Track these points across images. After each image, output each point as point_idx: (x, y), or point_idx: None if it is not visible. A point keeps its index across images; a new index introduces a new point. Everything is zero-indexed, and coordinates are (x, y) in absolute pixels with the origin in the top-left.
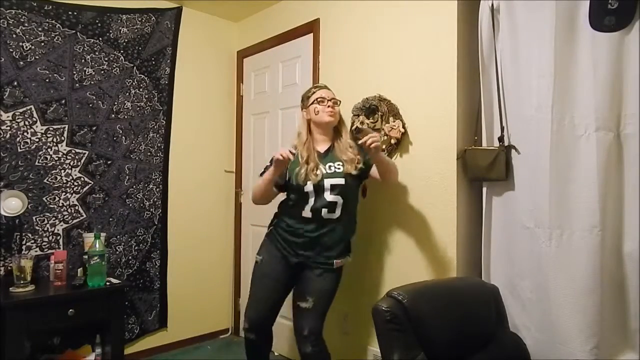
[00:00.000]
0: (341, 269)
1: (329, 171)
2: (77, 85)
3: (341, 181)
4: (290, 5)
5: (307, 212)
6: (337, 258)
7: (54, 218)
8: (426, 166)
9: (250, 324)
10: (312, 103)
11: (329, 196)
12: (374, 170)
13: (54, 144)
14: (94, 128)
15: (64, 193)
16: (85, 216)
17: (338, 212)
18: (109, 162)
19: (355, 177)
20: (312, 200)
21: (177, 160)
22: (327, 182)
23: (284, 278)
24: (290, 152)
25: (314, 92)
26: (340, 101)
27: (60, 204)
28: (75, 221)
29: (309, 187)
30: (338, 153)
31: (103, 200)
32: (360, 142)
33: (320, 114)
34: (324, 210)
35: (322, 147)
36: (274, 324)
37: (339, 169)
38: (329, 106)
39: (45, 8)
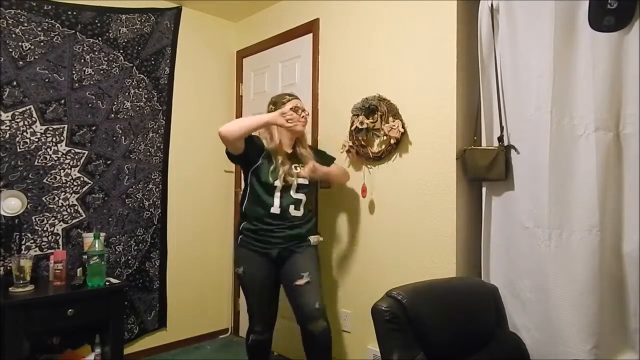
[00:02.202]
0: (317, 249)
1: (295, 171)
2: (76, 85)
3: (306, 182)
4: (290, 5)
5: (275, 209)
6: (311, 236)
7: (53, 218)
8: (426, 166)
9: (262, 328)
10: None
11: (295, 194)
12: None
13: (54, 143)
14: (94, 128)
15: (63, 193)
16: (84, 216)
17: (302, 210)
18: (108, 162)
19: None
20: (278, 195)
21: (176, 160)
22: (296, 182)
23: (272, 277)
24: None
25: (289, 100)
26: (308, 113)
27: (60, 204)
28: (74, 221)
29: (278, 183)
30: (300, 156)
31: (102, 200)
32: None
33: (295, 122)
34: (291, 207)
35: (287, 150)
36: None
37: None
38: (302, 116)
39: (45, 8)
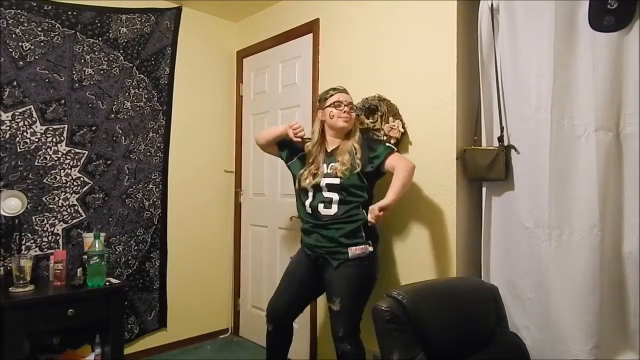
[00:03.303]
0: (367, 261)
1: (328, 171)
2: (76, 85)
3: (336, 181)
4: (290, 5)
5: (308, 208)
6: (351, 245)
7: (53, 218)
8: (426, 166)
9: (268, 315)
10: (329, 106)
11: (325, 193)
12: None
13: (54, 144)
14: (94, 128)
15: (63, 193)
16: (84, 216)
17: (335, 208)
18: (108, 162)
19: (358, 175)
20: (310, 196)
21: (176, 160)
22: (324, 181)
23: (306, 275)
24: (301, 137)
25: (332, 95)
26: (356, 106)
27: (60, 204)
28: (74, 221)
29: (304, 184)
30: (337, 154)
31: (102, 200)
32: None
33: (335, 118)
34: (320, 206)
35: (330, 147)
36: (294, 320)
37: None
38: (345, 111)
39: (45, 8)
